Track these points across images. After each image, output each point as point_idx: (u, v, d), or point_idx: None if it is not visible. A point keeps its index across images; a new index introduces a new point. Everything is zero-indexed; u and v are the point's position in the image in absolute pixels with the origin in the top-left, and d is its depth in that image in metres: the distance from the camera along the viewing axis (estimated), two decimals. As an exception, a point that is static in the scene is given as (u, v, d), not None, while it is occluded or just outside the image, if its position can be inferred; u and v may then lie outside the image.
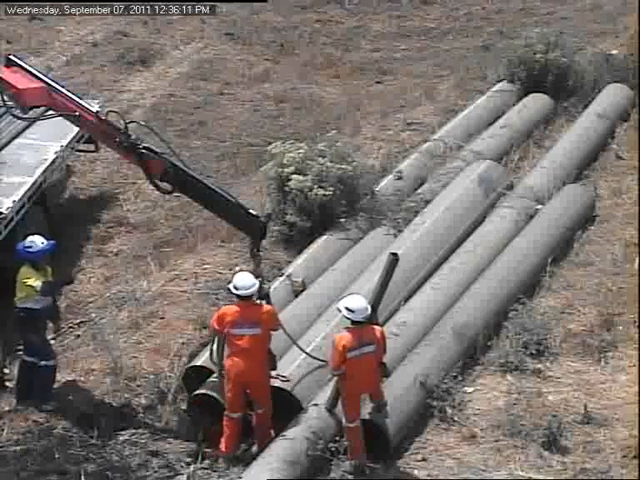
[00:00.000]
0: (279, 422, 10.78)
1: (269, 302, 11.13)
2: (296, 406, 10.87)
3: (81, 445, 10.94)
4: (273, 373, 10.89)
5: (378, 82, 20.16)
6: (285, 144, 14.58)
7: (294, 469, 10.20)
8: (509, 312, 12.62)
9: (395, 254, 10.66)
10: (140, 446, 11.00)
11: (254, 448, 10.78)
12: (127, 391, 11.65)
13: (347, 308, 10.37)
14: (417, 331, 11.95)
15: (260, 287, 10.96)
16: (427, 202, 14.54)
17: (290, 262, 13.48)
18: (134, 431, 11.20)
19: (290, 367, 11.15)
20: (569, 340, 12.42)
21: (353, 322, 10.37)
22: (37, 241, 11.47)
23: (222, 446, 10.77)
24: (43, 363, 11.47)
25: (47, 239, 11.60)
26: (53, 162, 14.14)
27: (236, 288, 10.60)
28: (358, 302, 10.42)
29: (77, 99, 11.11)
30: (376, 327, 10.55)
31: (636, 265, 13.76)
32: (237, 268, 11.67)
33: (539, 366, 11.97)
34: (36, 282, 11.23)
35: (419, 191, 15.02)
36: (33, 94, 10.83)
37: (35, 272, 11.32)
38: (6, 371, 12.03)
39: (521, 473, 10.52)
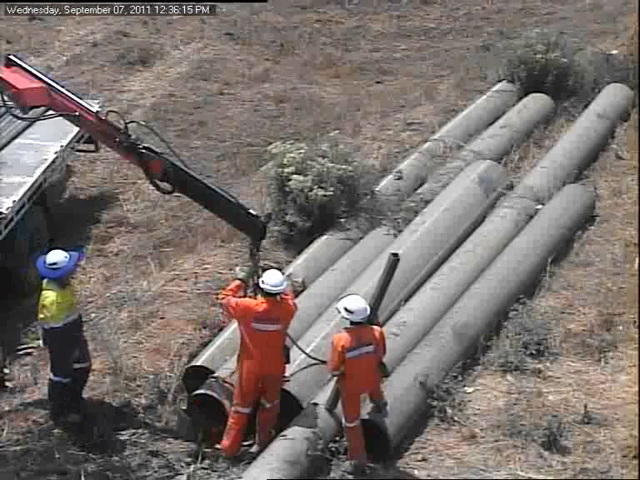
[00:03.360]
0: (279, 422, 10.79)
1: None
2: (296, 406, 10.87)
3: (81, 445, 10.95)
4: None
5: (378, 82, 20.16)
6: (285, 144, 14.58)
7: (294, 469, 10.20)
8: (509, 312, 12.62)
9: (396, 254, 10.65)
10: (140, 446, 11.00)
11: (254, 448, 10.78)
12: (127, 391, 11.64)
13: (346, 309, 10.37)
14: (417, 331, 11.95)
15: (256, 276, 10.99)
16: (427, 202, 14.54)
17: (290, 262, 13.48)
18: (134, 431, 11.20)
19: (290, 367, 11.14)
20: (569, 340, 12.42)
21: (352, 322, 10.37)
22: (60, 258, 10.96)
23: (225, 443, 10.75)
24: (57, 379, 11.24)
25: (74, 249, 11.22)
26: (53, 162, 14.13)
27: (266, 285, 10.53)
28: (357, 303, 10.41)
29: (77, 99, 11.11)
30: (375, 327, 10.55)
31: (636, 265, 13.76)
32: (237, 268, 11.65)
33: (539, 366, 11.98)
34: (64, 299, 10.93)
35: (419, 191, 15.02)
36: (33, 94, 10.81)
37: (60, 290, 10.94)
38: (6, 371, 12.03)
39: (521, 473, 10.52)
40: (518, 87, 18.24)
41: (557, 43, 18.38)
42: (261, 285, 10.59)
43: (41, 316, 10.99)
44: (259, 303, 10.56)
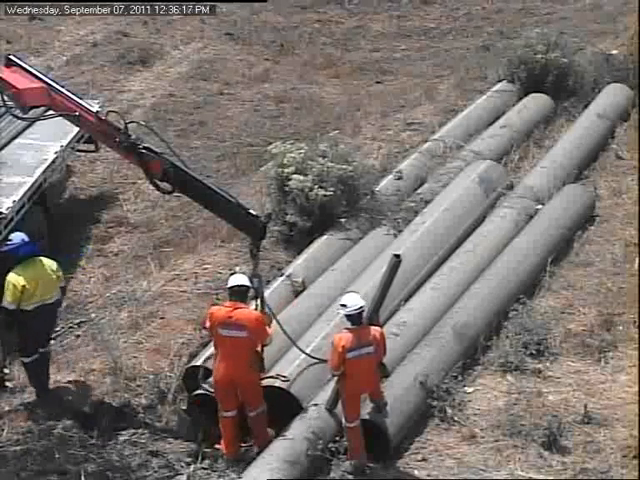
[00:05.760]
0: (279, 422, 10.79)
1: (262, 299, 11.07)
2: (296, 406, 10.87)
3: (81, 445, 10.95)
4: (273, 373, 10.89)
5: (378, 82, 20.18)
6: (285, 144, 14.58)
7: (294, 469, 10.20)
8: (509, 312, 12.62)
9: (398, 255, 10.65)
10: (140, 446, 11.00)
11: (254, 448, 10.78)
12: (127, 391, 11.65)
13: (341, 304, 10.44)
14: (417, 331, 11.95)
15: (256, 287, 10.97)
16: (427, 202, 14.54)
17: (290, 262, 13.48)
18: (134, 431, 11.20)
19: (290, 367, 11.15)
20: (569, 340, 12.42)
21: (352, 322, 10.38)
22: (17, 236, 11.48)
23: (223, 447, 10.79)
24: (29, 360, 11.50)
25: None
26: (53, 162, 14.13)
27: (228, 287, 10.70)
28: (351, 298, 10.49)
29: (77, 99, 11.11)
30: (376, 328, 10.55)
31: (636, 265, 13.76)
32: (237, 268, 11.66)
33: (539, 366, 11.98)
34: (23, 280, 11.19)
35: (419, 191, 15.03)
36: (33, 94, 10.81)
37: (24, 271, 11.24)
38: (6, 371, 12.03)
39: (521, 473, 10.52)
40: (518, 87, 18.26)
41: (557, 43, 18.41)
42: (227, 285, 10.74)
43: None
44: (221, 308, 10.65)
